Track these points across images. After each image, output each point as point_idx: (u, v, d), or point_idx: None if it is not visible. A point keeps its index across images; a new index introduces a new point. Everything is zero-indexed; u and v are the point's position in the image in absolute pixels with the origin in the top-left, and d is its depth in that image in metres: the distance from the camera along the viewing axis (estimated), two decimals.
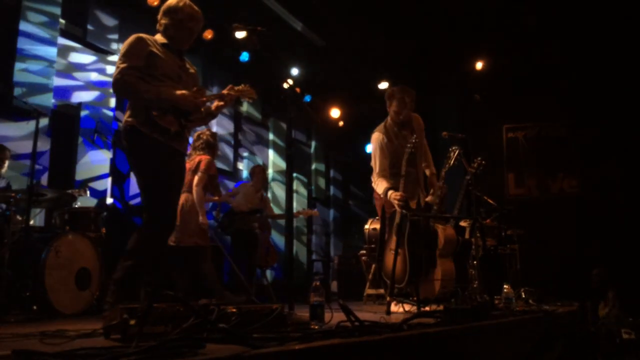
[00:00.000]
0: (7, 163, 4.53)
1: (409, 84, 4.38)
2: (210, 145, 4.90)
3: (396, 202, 3.80)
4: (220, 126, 7.77)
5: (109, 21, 6.37)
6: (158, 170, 2.86)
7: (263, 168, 6.88)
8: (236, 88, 3.14)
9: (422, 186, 4.28)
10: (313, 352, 1.40)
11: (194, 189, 4.65)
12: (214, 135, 5.05)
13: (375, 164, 4.18)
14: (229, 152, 7.94)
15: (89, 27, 6.13)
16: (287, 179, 9.07)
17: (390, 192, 3.89)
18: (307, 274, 9.14)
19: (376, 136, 4.25)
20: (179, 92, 2.89)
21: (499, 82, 8.23)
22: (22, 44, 5.33)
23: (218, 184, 5.10)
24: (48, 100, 5.44)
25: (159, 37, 3.03)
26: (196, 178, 4.65)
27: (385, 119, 4.35)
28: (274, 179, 8.86)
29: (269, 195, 8.62)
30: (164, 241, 3.02)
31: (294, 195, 8.28)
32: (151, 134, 2.82)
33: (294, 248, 8.89)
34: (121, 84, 2.81)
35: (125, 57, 2.85)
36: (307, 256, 9.39)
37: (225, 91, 3.14)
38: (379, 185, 4.07)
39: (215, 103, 3.15)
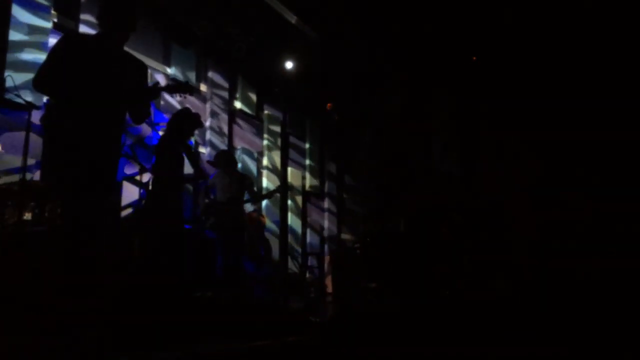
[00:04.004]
0: None
1: (403, 75, 4.30)
2: (176, 122, 4.71)
3: None
4: (213, 120, 7.74)
5: None
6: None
7: (225, 150, 6.92)
8: (161, 85, 3.39)
9: None
10: (306, 345, 1.40)
11: None
12: (180, 113, 4.85)
13: None
14: (222, 146, 7.90)
15: (82, 18, 6.07)
16: (281, 171, 9.07)
17: None
18: (301, 268, 9.14)
19: None
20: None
21: (497, 82, 8.20)
22: (14, 36, 5.26)
23: (196, 162, 4.80)
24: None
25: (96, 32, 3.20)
26: None
27: None
28: (267, 170, 8.84)
29: (264, 184, 8.61)
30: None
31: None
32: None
33: (288, 241, 8.94)
34: (36, 83, 2.97)
35: (48, 57, 3.04)
36: (301, 249, 9.39)
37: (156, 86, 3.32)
38: None
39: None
